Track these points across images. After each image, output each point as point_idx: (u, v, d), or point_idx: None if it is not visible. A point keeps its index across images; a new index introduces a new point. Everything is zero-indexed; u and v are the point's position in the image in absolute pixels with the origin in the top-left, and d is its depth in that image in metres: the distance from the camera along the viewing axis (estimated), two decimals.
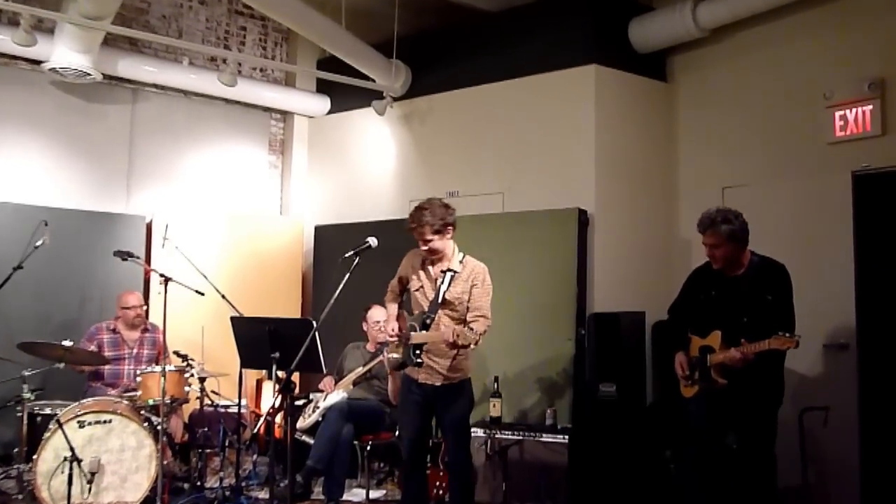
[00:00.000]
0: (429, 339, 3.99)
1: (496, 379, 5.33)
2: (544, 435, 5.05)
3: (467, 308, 4.00)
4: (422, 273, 4.11)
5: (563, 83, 5.87)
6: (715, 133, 5.87)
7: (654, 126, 6.06)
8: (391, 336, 4.13)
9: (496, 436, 5.12)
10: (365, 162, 7.13)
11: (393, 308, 4.26)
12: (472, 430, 5.14)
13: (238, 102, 7.14)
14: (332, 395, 5.19)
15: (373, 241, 4.02)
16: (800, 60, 5.45)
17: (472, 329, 3.80)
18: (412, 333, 4.03)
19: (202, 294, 5.31)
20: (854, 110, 5.14)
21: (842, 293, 5.02)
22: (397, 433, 4.34)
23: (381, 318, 5.20)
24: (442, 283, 4.00)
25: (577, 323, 5.42)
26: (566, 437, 5.00)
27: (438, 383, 4.05)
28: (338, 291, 3.78)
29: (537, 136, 5.98)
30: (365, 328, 5.40)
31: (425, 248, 3.99)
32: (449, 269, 4.04)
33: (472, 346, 3.78)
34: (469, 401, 4.15)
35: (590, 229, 5.61)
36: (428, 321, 3.99)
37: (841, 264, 5.06)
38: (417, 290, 4.10)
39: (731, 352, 3.77)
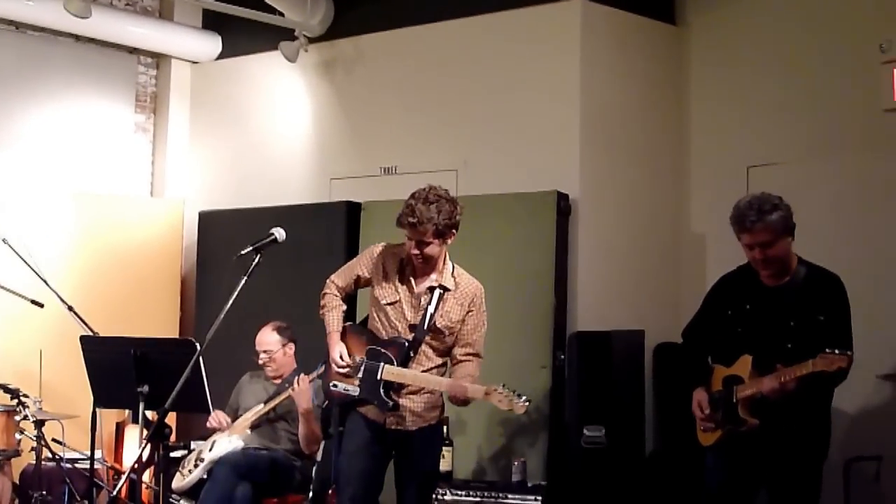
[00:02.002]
0: (416, 383, 4.00)
1: (445, 421, 5.31)
2: (510, 495, 5.07)
3: (455, 339, 4.05)
4: (399, 283, 4.07)
5: (537, 23, 5.89)
6: (738, 94, 5.96)
7: (659, 83, 6.13)
8: (340, 367, 4.07)
9: (446, 497, 5.11)
10: (269, 126, 7.09)
11: (337, 319, 4.18)
12: None
13: (93, 41, 7.06)
14: (222, 442, 5.12)
15: (279, 233, 3.99)
16: (848, 0, 5.56)
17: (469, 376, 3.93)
18: (386, 367, 3.99)
19: (40, 305, 5.26)
20: None
21: None
22: (336, 485, 4.31)
23: (261, 349, 5.19)
24: (429, 303, 4.01)
25: (555, 345, 5.45)
26: (539, 497, 5.02)
27: (413, 427, 4.07)
28: (230, 301, 3.74)
29: (503, 93, 5.99)
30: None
31: (417, 253, 3.97)
32: (440, 286, 4.04)
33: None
34: (442, 447, 4.27)
35: (572, 220, 5.65)
36: (413, 353, 4.00)
37: None
38: (392, 304, 4.08)
39: (766, 381, 3.79)
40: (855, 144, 5.49)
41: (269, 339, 5.23)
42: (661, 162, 6.11)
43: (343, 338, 4.15)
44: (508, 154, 5.93)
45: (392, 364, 3.98)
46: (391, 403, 3.98)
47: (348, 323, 4.24)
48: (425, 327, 3.99)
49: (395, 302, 4.06)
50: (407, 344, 3.99)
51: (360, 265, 4.19)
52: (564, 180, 5.66)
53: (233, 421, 5.29)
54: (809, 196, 5.47)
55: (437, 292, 4.02)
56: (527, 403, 3.81)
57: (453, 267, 4.12)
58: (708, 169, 6.04)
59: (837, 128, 5.57)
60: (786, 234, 3.89)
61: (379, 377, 3.98)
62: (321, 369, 4.47)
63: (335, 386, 4.13)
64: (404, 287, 4.06)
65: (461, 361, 4.04)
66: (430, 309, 4.00)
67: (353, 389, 4.07)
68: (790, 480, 3.91)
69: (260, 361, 5.25)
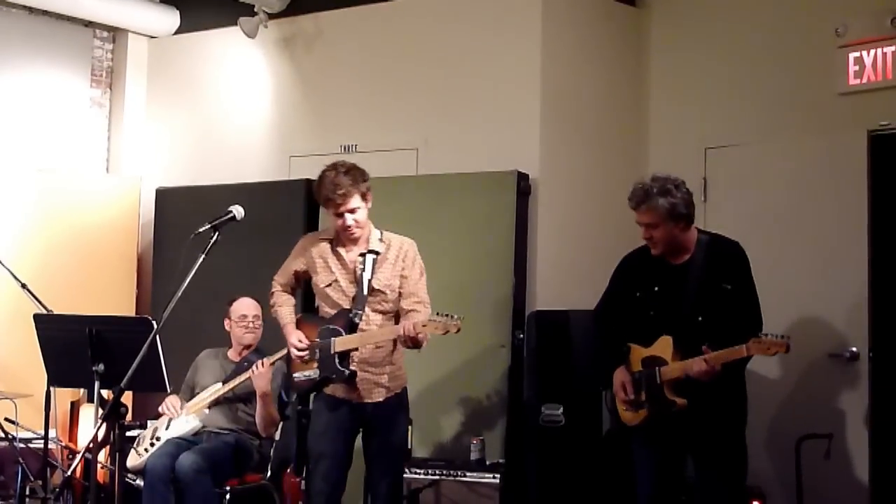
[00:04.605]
0: (366, 342, 4.09)
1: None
2: (469, 473, 5.13)
3: (399, 297, 4.16)
4: (332, 261, 4.20)
5: (499, 2, 5.89)
6: (696, 76, 6.01)
7: (619, 64, 6.15)
8: (300, 351, 4.20)
9: (405, 475, 5.07)
10: (228, 102, 7.05)
11: (290, 312, 4.34)
12: None
13: (47, 13, 6.98)
14: (179, 421, 5.10)
15: (238, 210, 3.97)
16: None
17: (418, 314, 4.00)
18: (334, 340, 4.10)
19: None
20: (873, 52, 5.33)
21: (852, 287, 5.21)
22: (311, 466, 4.35)
23: (250, 313, 5.24)
24: (363, 269, 4.12)
25: (514, 324, 5.48)
26: (497, 475, 5.07)
27: (381, 398, 4.19)
28: (188, 279, 3.72)
29: (464, 72, 5.99)
30: (228, 327, 5.33)
31: (351, 222, 4.08)
32: (369, 251, 4.15)
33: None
34: (408, 415, 4.37)
35: (532, 199, 5.67)
36: (357, 319, 4.10)
37: (852, 249, 5.25)
38: (329, 285, 4.19)
39: (693, 363, 3.84)
40: (810, 127, 5.55)
41: (250, 307, 5.24)
42: (619, 143, 6.14)
43: (298, 327, 4.27)
44: (469, 133, 5.93)
45: (341, 335, 4.09)
46: (347, 373, 4.08)
47: (300, 315, 4.37)
48: (364, 292, 4.11)
49: (333, 281, 4.18)
50: (351, 312, 4.10)
51: (294, 261, 4.35)
52: (524, 160, 5.67)
53: (189, 398, 5.27)
54: (765, 177, 5.56)
55: (369, 257, 4.14)
56: (460, 320, 3.93)
57: (381, 232, 4.23)
58: (666, 150, 6.08)
59: (793, 110, 5.63)
60: (673, 221, 3.93)
61: (332, 351, 4.09)
62: (283, 353, 4.54)
63: (298, 376, 4.24)
64: (337, 264, 4.18)
65: (409, 311, 4.13)
66: (367, 274, 4.12)
67: (313, 373, 4.18)
68: (715, 448, 3.99)
69: (245, 325, 5.22)
